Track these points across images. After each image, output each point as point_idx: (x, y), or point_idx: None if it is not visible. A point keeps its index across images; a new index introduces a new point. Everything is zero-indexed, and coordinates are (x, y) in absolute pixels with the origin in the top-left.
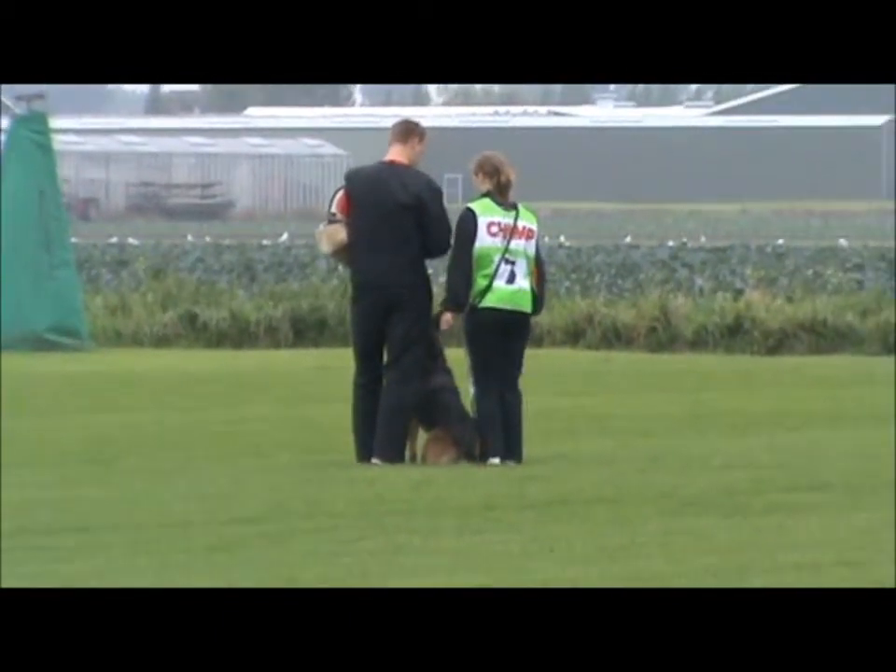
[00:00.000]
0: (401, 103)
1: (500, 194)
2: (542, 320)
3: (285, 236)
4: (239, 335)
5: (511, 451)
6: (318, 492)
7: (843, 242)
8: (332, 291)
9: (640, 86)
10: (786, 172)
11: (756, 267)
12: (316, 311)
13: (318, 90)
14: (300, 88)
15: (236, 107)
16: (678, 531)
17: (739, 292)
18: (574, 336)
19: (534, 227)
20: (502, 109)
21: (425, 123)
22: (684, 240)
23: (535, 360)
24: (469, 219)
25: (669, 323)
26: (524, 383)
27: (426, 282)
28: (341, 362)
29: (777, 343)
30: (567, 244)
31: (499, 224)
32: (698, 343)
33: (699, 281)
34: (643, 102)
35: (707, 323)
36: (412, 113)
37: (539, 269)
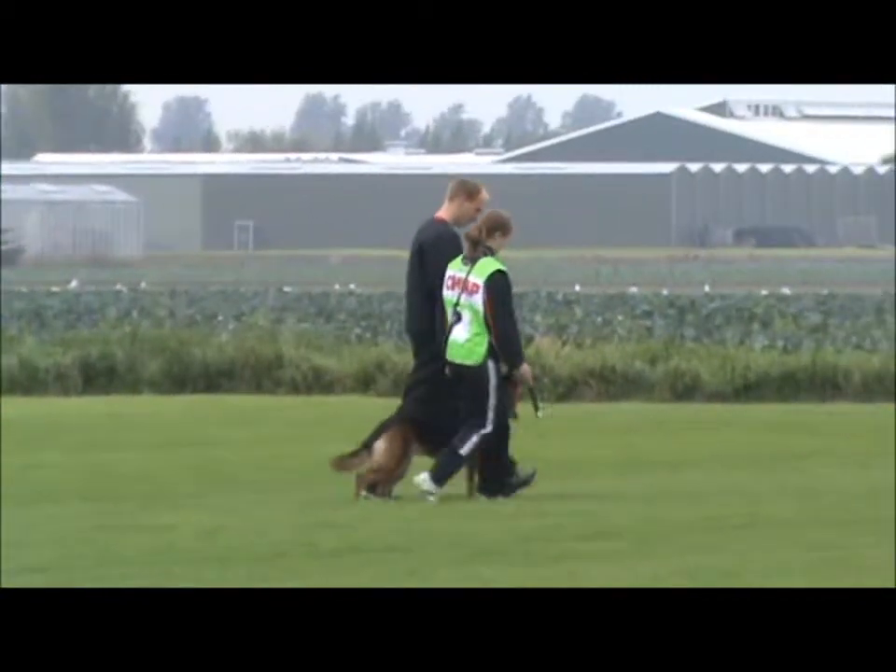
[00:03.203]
0: (191, 149)
1: (470, 249)
2: (332, 367)
3: (74, 283)
4: (28, 382)
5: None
6: (108, 540)
7: (633, 289)
8: (122, 338)
9: (431, 133)
10: (576, 219)
11: (546, 314)
12: (106, 358)
13: (107, 136)
14: (89, 134)
15: (25, 154)
16: (467, 579)
17: (529, 339)
18: (364, 383)
19: (479, 281)
20: (293, 156)
21: (214, 170)
22: None
23: (325, 408)
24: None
25: None
26: (316, 432)
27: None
28: (131, 409)
29: (567, 389)
30: (359, 290)
31: (454, 277)
32: None
33: None
34: (433, 149)
35: None
36: (202, 159)
37: (492, 320)
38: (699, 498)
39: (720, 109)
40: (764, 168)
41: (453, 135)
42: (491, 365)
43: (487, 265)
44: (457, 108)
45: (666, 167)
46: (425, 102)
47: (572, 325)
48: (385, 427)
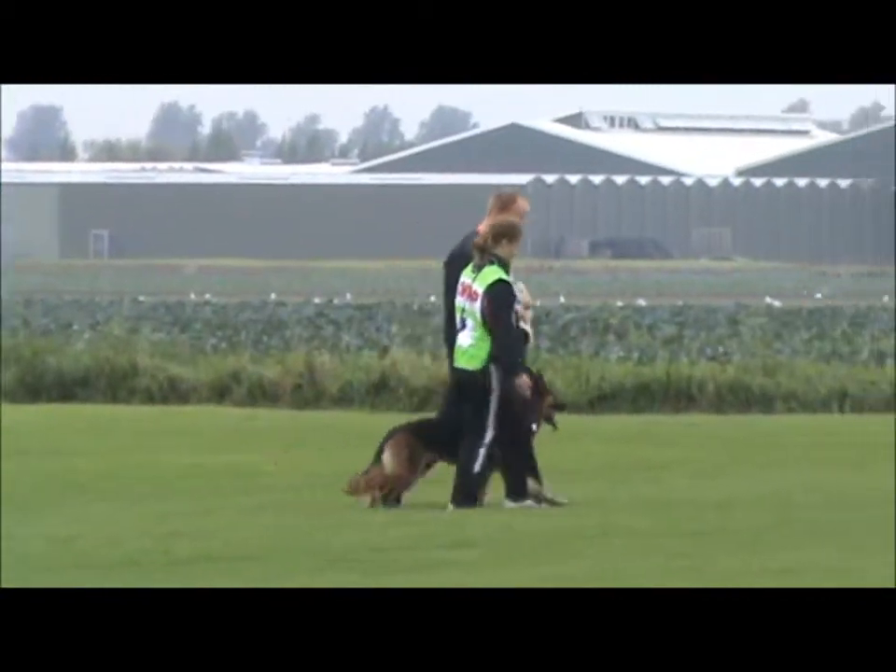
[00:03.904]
0: (47, 158)
1: (477, 257)
2: (187, 377)
3: None
4: None
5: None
6: None
7: None
8: None
9: (287, 143)
10: (431, 229)
11: (402, 324)
12: None
13: None
14: None
15: None
16: (321, 588)
17: (385, 349)
18: (220, 393)
19: (479, 289)
20: (149, 165)
21: (70, 179)
22: (330, 297)
23: (180, 417)
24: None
25: (315, 380)
26: (172, 442)
27: None
28: None
29: (422, 400)
30: (214, 300)
31: (463, 284)
32: (344, 399)
33: (345, 338)
34: (289, 159)
35: (352, 380)
36: (57, 168)
37: (492, 329)
38: (554, 509)
39: (575, 121)
40: (620, 180)
41: (309, 145)
42: (493, 371)
43: (489, 274)
44: (313, 118)
45: (522, 178)
46: (280, 112)
47: (427, 335)
48: (390, 435)
